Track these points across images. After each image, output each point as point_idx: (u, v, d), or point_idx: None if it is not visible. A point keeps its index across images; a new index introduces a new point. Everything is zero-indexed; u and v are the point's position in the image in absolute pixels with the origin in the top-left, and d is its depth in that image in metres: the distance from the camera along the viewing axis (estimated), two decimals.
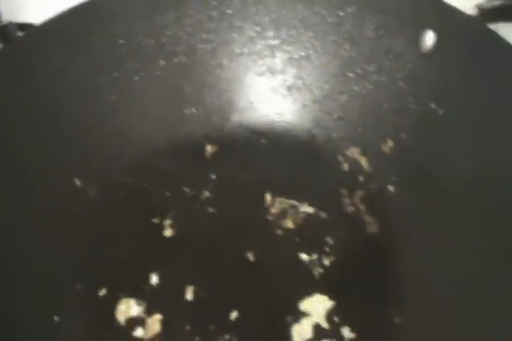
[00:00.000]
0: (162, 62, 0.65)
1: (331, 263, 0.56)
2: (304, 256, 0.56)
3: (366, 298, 0.55)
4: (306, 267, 0.57)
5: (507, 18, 0.60)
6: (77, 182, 0.59)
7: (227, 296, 0.55)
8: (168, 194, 0.60)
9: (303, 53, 0.67)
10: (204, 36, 0.66)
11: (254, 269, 0.56)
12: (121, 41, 0.64)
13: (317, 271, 0.55)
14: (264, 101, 0.66)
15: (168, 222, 0.58)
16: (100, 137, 0.62)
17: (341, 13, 0.65)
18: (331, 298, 0.55)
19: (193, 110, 0.64)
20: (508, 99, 0.54)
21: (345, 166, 0.62)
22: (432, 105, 0.60)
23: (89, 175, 0.60)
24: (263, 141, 0.64)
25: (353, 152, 0.62)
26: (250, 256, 0.56)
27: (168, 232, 0.57)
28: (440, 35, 0.60)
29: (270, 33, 0.67)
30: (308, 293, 0.55)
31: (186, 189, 0.61)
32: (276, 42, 0.67)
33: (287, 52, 0.67)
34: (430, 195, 0.57)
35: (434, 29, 0.60)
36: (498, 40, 0.56)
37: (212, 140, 0.64)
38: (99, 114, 0.63)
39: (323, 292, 0.55)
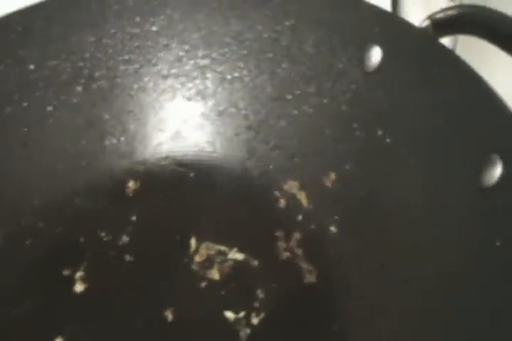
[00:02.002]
0: (79, 89, 0.58)
1: (261, 321, 0.48)
2: (229, 314, 0.48)
3: None
4: (231, 327, 0.50)
5: (463, 30, 0.51)
6: None
7: None
8: (82, 240, 0.52)
9: (236, 74, 0.60)
10: (126, 57, 0.59)
11: (172, 331, 0.48)
12: (31, 66, 0.58)
13: (244, 333, 0.48)
14: (194, 129, 0.59)
15: (79, 274, 0.51)
16: (8, 176, 0.56)
17: (278, 28, 0.58)
18: None
19: (114, 141, 0.57)
20: (462, 122, 0.48)
21: (282, 203, 0.54)
22: (379, 132, 0.53)
23: None
24: (191, 174, 0.57)
25: (291, 186, 0.55)
26: (168, 315, 0.48)
27: (78, 287, 0.50)
28: (386, 51, 0.54)
29: (200, 52, 0.61)
30: None
31: (103, 233, 0.53)
32: (206, 61, 0.60)
33: (219, 72, 0.60)
34: (375, 236, 0.50)
35: (380, 44, 0.54)
36: (449, 55, 0.51)
37: (135, 175, 0.57)
38: (7, 150, 0.57)
39: None
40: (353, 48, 0.55)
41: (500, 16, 0.50)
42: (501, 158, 0.44)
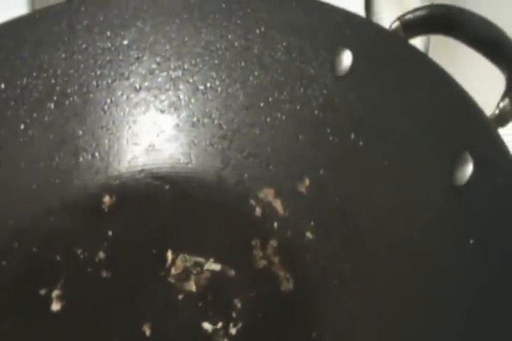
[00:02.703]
0: (51, 106, 0.58)
1: (238, 331, 0.47)
2: (206, 326, 0.48)
3: None
4: (209, 338, 0.49)
5: (432, 30, 0.51)
6: None
7: None
8: (58, 258, 0.51)
9: (208, 84, 0.59)
10: (98, 72, 0.58)
11: None
12: (2, 85, 0.58)
13: None
14: (168, 142, 0.58)
15: (56, 292, 0.50)
16: None
17: (249, 36, 0.58)
18: None
19: (89, 157, 0.57)
20: (434, 122, 0.48)
21: (258, 211, 0.53)
22: (352, 135, 0.53)
23: None
24: (166, 187, 0.56)
25: (267, 193, 0.54)
26: (146, 329, 0.47)
27: (55, 306, 0.49)
28: (357, 55, 0.53)
29: (172, 64, 0.60)
30: None
31: (79, 250, 0.53)
32: (178, 73, 0.60)
33: (191, 83, 0.59)
34: (351, 241, 0.50)
35: (351, 48, 0.54)
36: (420, 57, 0.51)
37: (110, 189, 0.56)
38: None
39: None
40: (324, 53, 0.55)
41: (469, 15, 0.49)
42: (471, 156, 0.43)
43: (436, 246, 0.45)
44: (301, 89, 0.57)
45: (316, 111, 0.55)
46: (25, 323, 0.51)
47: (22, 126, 0.57)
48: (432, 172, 0.47)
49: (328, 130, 0.54)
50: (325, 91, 0.55)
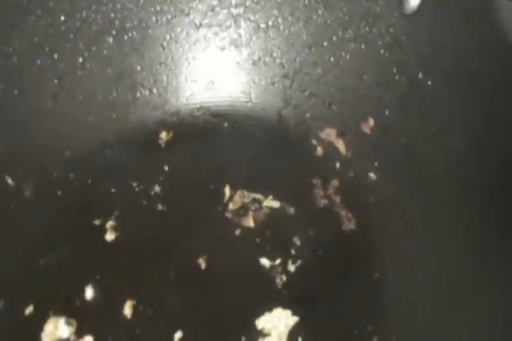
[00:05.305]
0: (110, 40, 0.56)
1: (297, 268, 0.47)
2: (264, 261, 0.47)
3: (338, 312, 0.46)
4: (266, 275, 0.48)
5: None
6: (9, 181, 0.49)
7: (171, 313, 0.47)
8: (114, 190, 0.50)
9: (270, 22, 0.58)
10: (158, 7, 0.57)
11: (205, 279, 0.48)
12: (62, 18, 0.56)
13: (280, 279, 0.46)
14: (227, 80, 0.58)
15: (110, 223, 0.49)
16: (38, 127, 0.55)
17: None
18: (295, 313, 0.47)
19: (146, 93, 0.55)
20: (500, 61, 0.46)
21: (319, 151, 0.52)
22: (420, 75, 0.51)
23: (23, 172, 0.52)
24: (225, 124, 0.55)
25: (329, 134, 0.53)
26: (202, 263, 0.46)
27: (109, 236, 0.48)
28: None
29: (233, 1, 0.58)
30: (268, 307, 0.47)
31: (134, 183, 0.52)
32: (239, 10, 0.58)
33: (253, 21, 0.58)
34: (415, 182, 0.49)
35: None
36: None
37: (168, 126, 0.56)
38: (38, 101, 0.55)
39: (285, 306, 0.47)
40: None
41: None
42: None
43: None
44: (367, 28, 0.55)
45: (382, 50, 0.54)
46: (78, 251, 0.51)
47: (80, 59, 0.56)
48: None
49: (395, 69, 0.52)
50: (391, 30, 0.54)
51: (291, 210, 0.50)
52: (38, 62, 0.55)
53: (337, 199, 0.50)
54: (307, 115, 0.54)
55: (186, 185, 0.52)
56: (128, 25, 0.56)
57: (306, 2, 0.55)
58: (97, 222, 0.51)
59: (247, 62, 0.57)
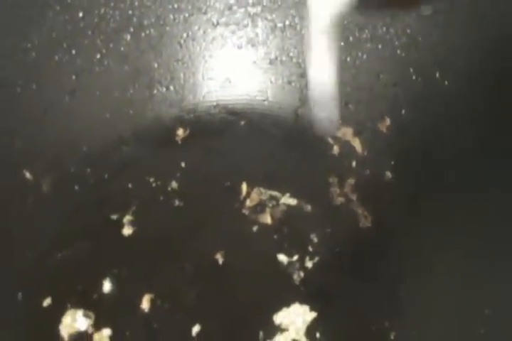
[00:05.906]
0: (128, 37, 0.56)
1: (315, 265, 0.47)
2: (282, 258, 0.47)
3: (355, 308, 0.47)
4: (284, 271, 0.49)
5: None
6: (27, 175, 0.49)
7: (188, 307, 0.47)
8: (131, 186, 0.50)
9: (288, 21, 0.58)
10: (175, 5, 0.57)
11: (223, 274, 0.48)
12: (80, 14, 0.56)
13: (297, 276, 0.46)
14: (244, 78, 0.58)
15: (128, 218, 0.50)
16: (55, 123, 0.55)
17: None
18: (313, 308, 0.47)
19: (163, 90, 0.56)
20: None
21: (336, 150, 0.52)
22: (437, 75, 0.52)
23: (41, 167, 0.52)
24: (242, 122, 0.55)
25: (345, 133, 0.53)
26: (219, 258, 0.47)
27: (127, 230, 0.49)
28: None
29: (250, 0, 0.57)
30: (286, 302, 0.47)
31: (151, 179, 0.52)
32: (257, 9, 0.58)
33: (270, 20, 0.58)
34: (431, 181, 0.49)
35: None
36: None
37: (184, 123, 0.56)
38: (55, 97, 0.55)
39: (303, 301, 0.47)
40: None
41: None
42: None
43: None
44: (384, 28, 0.55)
45: (399, 51, 0.54)
46: (95, 245, 0.51)
47: (98, 56, 0.57)
48: None
49: (411, 69, 0.52)
50: (408, 31, 0.54)
51: (308, 208, 0.50)
52: (56, 58, 0.54)
53: (353, 197, 0.50)
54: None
55: (203, 181, 0.52)
56: (146, 23, 0.57)
57: None
58: (114, 217, 0.51)
59: (263, 61, 0.57)
